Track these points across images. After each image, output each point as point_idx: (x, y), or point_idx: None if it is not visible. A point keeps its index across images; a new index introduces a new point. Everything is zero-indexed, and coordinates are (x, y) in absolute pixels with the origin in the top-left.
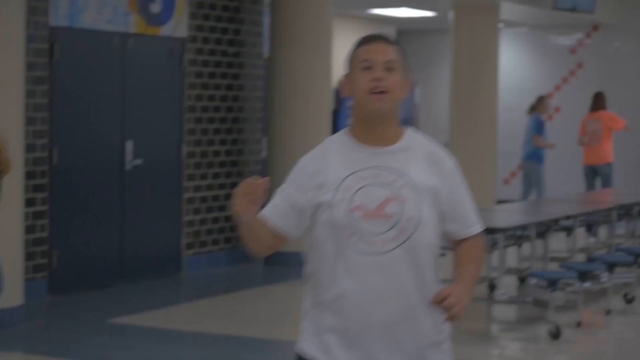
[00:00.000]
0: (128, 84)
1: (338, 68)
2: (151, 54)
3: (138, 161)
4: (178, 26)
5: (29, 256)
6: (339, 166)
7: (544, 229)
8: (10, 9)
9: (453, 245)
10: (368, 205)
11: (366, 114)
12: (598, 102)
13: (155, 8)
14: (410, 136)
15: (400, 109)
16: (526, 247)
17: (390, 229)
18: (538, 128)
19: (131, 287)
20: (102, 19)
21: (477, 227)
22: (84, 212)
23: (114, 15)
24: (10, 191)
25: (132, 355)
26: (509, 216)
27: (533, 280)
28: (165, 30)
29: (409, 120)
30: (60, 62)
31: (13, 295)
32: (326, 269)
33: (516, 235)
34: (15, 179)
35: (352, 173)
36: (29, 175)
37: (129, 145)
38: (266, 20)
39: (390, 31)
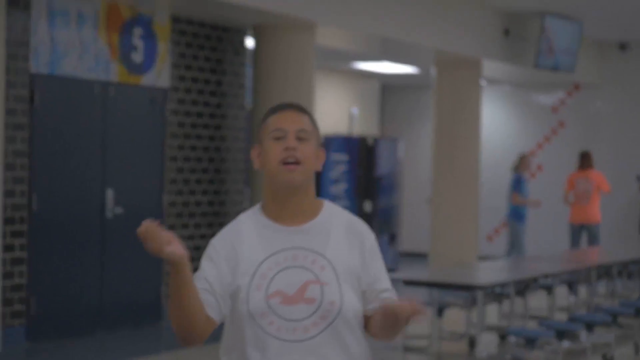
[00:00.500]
0: (109, 132)
1: (320, 121)
2: (133, 102)
3: (119, 209)
4: (160, 76)
5: (7, 302)
6: (254, 249)
7: (523, 287)
8: None
9: (367, 321)
10: (286, 290)
11: (278, 187)
12: (586, 160)
13: (137, 57)
14: (328, 210)
15: (313, 180)
16: (507, 304)
17: (312, 314)
18: (516, 186)
19: (110, 335)
20: (83, 67)
21: (392, 294)
22: (63, 259)
23: (95, 63)
24: None
25: None
26: (489, 273)
27: (512, 339)
28: (147, 79)
29: (392, 175)
30: (41, 109)
31: None
32: (246, 353)
33: (496, 293)
34: None
35: (269, 256)
36: (8, 221)
37: (110, 193)
38: (249, 71)
39: (374, 86)
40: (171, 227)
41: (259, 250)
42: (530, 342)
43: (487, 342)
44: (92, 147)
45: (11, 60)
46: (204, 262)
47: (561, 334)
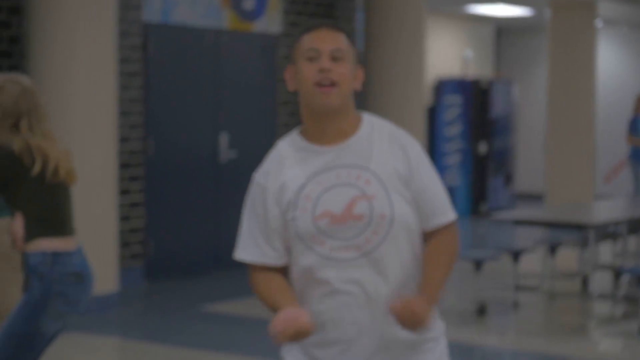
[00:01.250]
0: (221, 78)
1: (434, 64)
2: (244, 49)
3: (232, 153)
4: (271, 22)
5: (125, 245)
6: (295, 173)
7: (636, 226)
8: (103, 6)
9: (425, 235)
10: (334, 210)
11: (314, 110)
12: None
13: (248, 4)
14: (369, 123)
15: (353, 100)
16: (621, 243)
17: (363, 231)
18: (632, 127)
19: (226, 275)
20: (194, 15)
21: (446, 217)
22: (179, 201)
23: (206, 10)
24: (106, 182)
25: (225, 342)
26: (602, 212)
27: (625, 277)
28: (258, 26)
29: (507, 118)
30: (154, 57)
31: (108, 282)
32: (302, 281)
33: (609, 232)
34: (111, 170)
35: (311, 178)
36: (125, 166)
37: (224, 138)
38: (360, 17)
39: (489, 29)
40: None
41: (300, 174)
42: None
43: (601, 281)
44: (205, 93)
45: (124, 10)
46: (249, 202)
47: None
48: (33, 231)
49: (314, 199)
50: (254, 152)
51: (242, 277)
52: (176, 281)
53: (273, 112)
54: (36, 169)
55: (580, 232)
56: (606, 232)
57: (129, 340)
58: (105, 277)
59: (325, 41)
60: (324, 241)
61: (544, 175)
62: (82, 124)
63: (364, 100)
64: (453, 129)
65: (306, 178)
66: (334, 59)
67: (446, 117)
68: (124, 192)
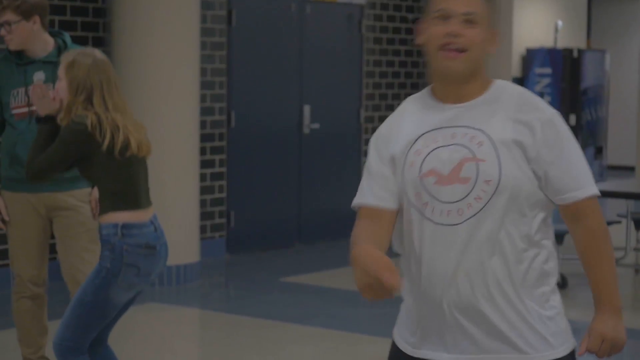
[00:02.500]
0: (306, 49)
1: (523, 34)
2: (329, 20)
3: (316, 125)
4: None
5: (207, 216)
6: (412, 126)
7: None
8: None
9: (563, 214)
10: (441, 169)
11: (438, 72)
12: None
13: None
14: (498, 87)
15: (482, 63)
16: None
17: (466, 195)
18: None
19: (308, 248)
20: None
21: (583, 191)
22: (261, 174)
23: None
24: (188, 153)
25: (305, 313)
26: None
27: None
28: None
29: (599, 88)
30: (238, 28)
31: (190, 253)
32: (404, 244)
33: None
34: (193, 142)
35: (424, 133)
36: (207, 137)
37: (307, 109)
38: None
39: None
40: (368, 142)
41: (417, 127)
42: None
43: None
44: (289, 64)
45: None
46: (370, 150)
47: None
48: (106, 204)
49: (424, 154)
50: (338, 124)
51: (324, 249)
52: (257, 253)
53: (357, 83)
54: (105, 142)
55: None
56: None
57: (209, 311)
58: (186, 248)
59: (458, 1)
60: (427, 201)
61: (637, 147)
62: (165, 96)
63: None
64: (543, 100)
65: (420, 132)
66: (466, 21)
67: (536, 88)
68: (206, 163)
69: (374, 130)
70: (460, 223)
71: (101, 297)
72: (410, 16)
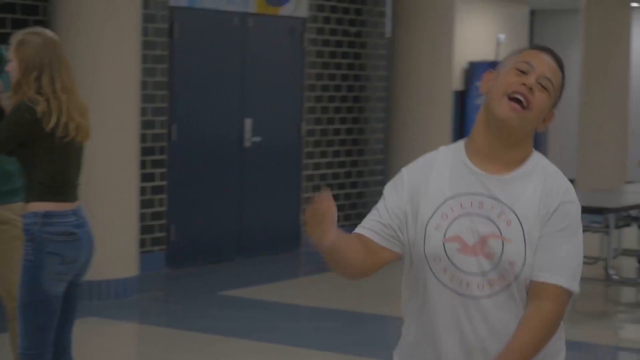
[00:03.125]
0: (248, 62)
1: (465, 48)
2: (271, 33)
3: (257, 138)
4: (298, 6)
5: (147, 229)
6: (441, 183)
7: None
8: None
9: (529, 290)
10: (466, 238)
11: (491, 119)
12: None
13: None
14: (534, 162)
15: (532, 136)
16: None
17: (489, 271)
18: None
19: (248, 262)
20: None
21: (557, 279)
22: (202, 187)
23: None
24: (129, 166)
25: (242, 327)
26: (625, 197)
27: None
28: (285, 10)
29: None
30: (180, 41)
31: (129, 267)
32: (413, 301)
33: (633, 216)
34: (133, 155)
35: (454, 196)
36: (148, 151)
37: (248, 123)
38: (389, 0)
39: (523, 12)
40: (309, 155)
41: (446, 186)
42: None
43: (627, 267)
44: (231, 78)
45: None
46: (388, 190)
47: None
48: (32, 194)
49: (450, 219)
50: (279, 138)
51: (264, 263)
52: (197, 267)
53: (299, 97)
54: (49, 126)
55: (603, 217)
56: (631, 216)
57: (148, 325)
58: (125, 262)
59: (543, 64)
60: (447, 267)
61: (577, 160)
62: (105, 109)
63: (391, 85)
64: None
65: (450, 193)
66: (541, 85)
67: (477, 101)
68: (146, 177)
69: (315, 143)
70: (479, 298)
71: (38, 293)
72: (352, 30)
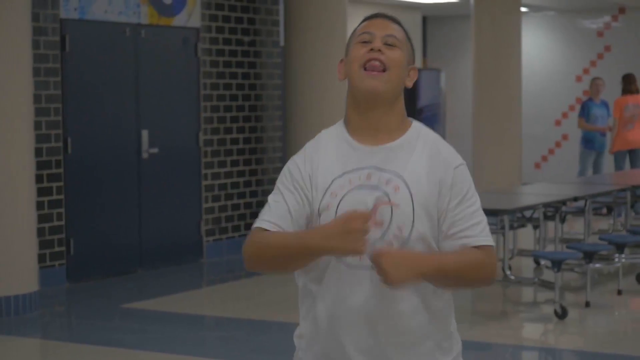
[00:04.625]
0: (142, 73)
1: None
2: (164, 44)
3: (154, 149)
4: (191, 16)
5: (46, 244)
6: (330, 165)
7: (554, 211)
8: (17, 2)
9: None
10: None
11: (359, 96)
12: (632, 84)
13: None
14: (416, 131)
15: (401, 95)
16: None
17: (378, 239)
18: (581, 111)
19: (150, 273)
20: (113, 11)
21: (477, 241)
22: (100, 200)
23: (124, 7)
24: (23, 180)
25: (146, 339)
26: (520, 198)
27: (542, 262)
28: (178, 20)
29: (435, 107)
30: (72, 53)
31: (28, 282)
32: (309, 275)
33: (527, 217)
34: (28, 170)
35: (342, 174)
36: (44, 165)
37: (145, 134)
38: (282, 8)
39: (415, 17)
40: (208, 165)
41: (334, 167)
42: (557, 264)
43: (525, 267)
44: (126, 89)
45: (41, 7)
46: (280, 182)
47: (589, 256)
48: None
49: (340, 196)
50: (177, 148)
51: (166, 274)
52: (98, 280)
53: (195, 107)
54: None
55: (498, 218)
56: (525, 217)
57: (50, 341)
58: (24, 278)
59: (380, 27)
60: None
61: (472, 163)
62: None
63: (286, 93)
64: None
65: (338, 173)
66: (387, 44)
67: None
68: (43, 191)
69: (213, 153)
70: (370, 267)
71: None
72: (246, 39)
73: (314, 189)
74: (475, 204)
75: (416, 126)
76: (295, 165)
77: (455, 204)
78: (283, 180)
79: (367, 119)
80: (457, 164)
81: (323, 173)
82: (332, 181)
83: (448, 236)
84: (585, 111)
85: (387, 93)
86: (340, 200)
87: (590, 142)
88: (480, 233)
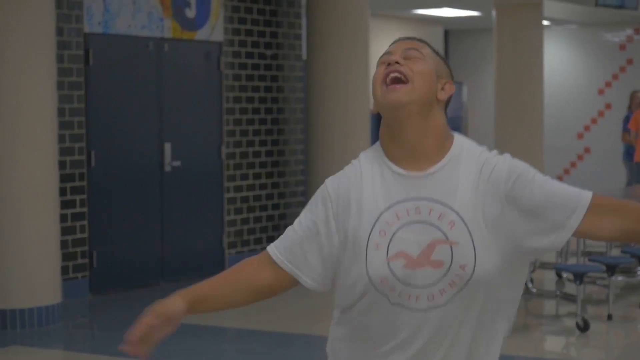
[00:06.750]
0: (165, 87)
1: None
2: (187, 57)
3: (177, 163)
4: (214, 30)
5: (70, 256)
6: (375, 195)
7: None
8: (41, 17)
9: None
10: (410, 252)
11: (386, 114)
12: None
13: (190, 13)
14: (458, 147)
15: (435, 109)
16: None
17: (439, 280)
18: (624, 124)
19: (173, 286)
20: (136, 25)
21: (587, 195)
22: (123, 213)
23: (148, 21)
24: (48, 194)
25: (167, 351)
26: None
27: (564, 275)
28: (201, 34)
29: (457, 120)
30: (95, 67)
31: (51, 294)
32: (361, 319)
33: None
34: (52, 182)
35: (388, 208)
36: (67, 178)
37: (168, 147)
38: (305, 22)
39: (437, 31)
40: (230, 178)
41: (379, 198)
42: (579, 277)
43: (547, 280)
44: (148, 103)
45: (65, 21)
46: (313, 204)
47: (612, 269)
48: None
49: (390, 234)
50: (199, 161)
51: (187, 287)
52: (121, 292)
53: (218, 120)
54: None
55: None
56: None
57: (73, 352)
58: (48, 290)
59: (399, 45)
60: (395, 286)
61: None
62: (23, 137)
63: (309, 106)
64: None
65: (383, 207)
66: (407, 57)
67: None
68: (66, 204)
69: (235, 166)
70: (432, 309)
71: None
72: (268, 52)
73: (356, 218)
74: (547, 179)
75: (458, 141)
76: (328, 195)
77: (532, 189)
78: (312, 208)
79: (402, 144)
80: (506, 166)
81: (368, 203)
82: (380, 215)
83: (570, 216)
84: (626, 124)
85: (412, 105)
86: (390, 241)
87: (629, 155)
88: (577, 196)
